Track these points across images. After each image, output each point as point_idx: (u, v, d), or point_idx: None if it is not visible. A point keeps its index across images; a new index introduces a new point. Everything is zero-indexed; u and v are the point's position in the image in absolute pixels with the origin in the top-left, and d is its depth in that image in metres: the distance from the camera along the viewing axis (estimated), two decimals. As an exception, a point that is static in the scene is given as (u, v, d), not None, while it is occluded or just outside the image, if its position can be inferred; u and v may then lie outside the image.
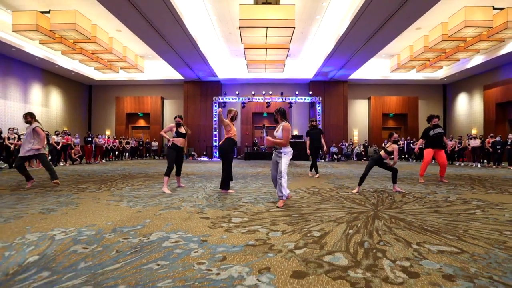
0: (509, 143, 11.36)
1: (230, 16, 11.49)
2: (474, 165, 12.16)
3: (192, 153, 17.82)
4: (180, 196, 4.42)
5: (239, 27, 10.34)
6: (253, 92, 16.99)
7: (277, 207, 3.63)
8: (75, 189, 5.02)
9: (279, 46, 12.16)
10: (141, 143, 17.53)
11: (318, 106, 17.10)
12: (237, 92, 16.71)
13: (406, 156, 16.43)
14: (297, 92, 16.96)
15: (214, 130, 17.51)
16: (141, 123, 20.08)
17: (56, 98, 16.85)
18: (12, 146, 9.65)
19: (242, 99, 16.93)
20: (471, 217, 3.15)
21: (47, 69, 15.66)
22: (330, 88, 18.38)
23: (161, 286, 1.57)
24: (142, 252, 2.07)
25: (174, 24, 10.38)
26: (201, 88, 18.70)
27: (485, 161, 12.66)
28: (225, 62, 17.17)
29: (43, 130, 5.38)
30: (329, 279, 1.67)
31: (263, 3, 10.36)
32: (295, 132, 18.55)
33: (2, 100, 13.25)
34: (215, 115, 17.47)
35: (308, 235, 2.49)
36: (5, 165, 10.09)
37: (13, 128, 10.10)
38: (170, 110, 19.81)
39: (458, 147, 13.56)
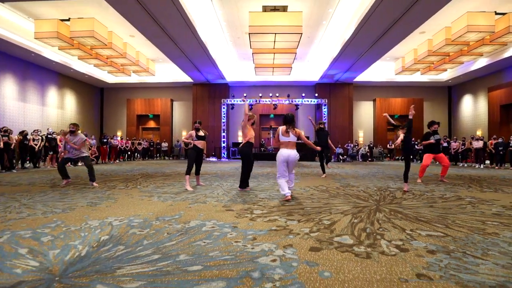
0: (511, 145, 11.66)
1: (240, 22, 12.01)
2: (476, 166, 12.48)
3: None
4: (202, 193, 4.94)
5: (249, 34, 10.87)
6: (260, 94, 17.51)
7: (287, 201, 4.19)
8: (106, 187, 5.59)
9: (287, 50, 12.67)
10: (152, 144, 18.16)
11: (324, 108, 17.54)
12: (244, 94, 17.20)
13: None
14: (303, 94, 17.44)
15: (222, 131, 18.06)
16: (151, 124, 20.73)
17: (70, 101, 17.58)
18: (37, 148, 10.30)
19: (249, 101, 17.44)
20: (461, 211, 3.61)
21: (63, 73, 16.37)
22: (336, 90, 18.80)
23: (212, 255, 2.08)
24: (188, 234, 2.58)
25: (186, 30, 10.95)
26: (210, 90, 19.26)
27: (488, 162, 12.93)
28: (233, 65, 17.71)
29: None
30: (339, 252, 2.16)
31: (271, 10, 10.88)
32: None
33: (22, 103, 13.97)
34: (224, 116, 18.03)
35: (320, 223, 2.98)
36: (29, 164, 10.75)
37: (37, 130, 10.75)
38: (179, 112, 20.43)
39: (461, 148, 13.85)
